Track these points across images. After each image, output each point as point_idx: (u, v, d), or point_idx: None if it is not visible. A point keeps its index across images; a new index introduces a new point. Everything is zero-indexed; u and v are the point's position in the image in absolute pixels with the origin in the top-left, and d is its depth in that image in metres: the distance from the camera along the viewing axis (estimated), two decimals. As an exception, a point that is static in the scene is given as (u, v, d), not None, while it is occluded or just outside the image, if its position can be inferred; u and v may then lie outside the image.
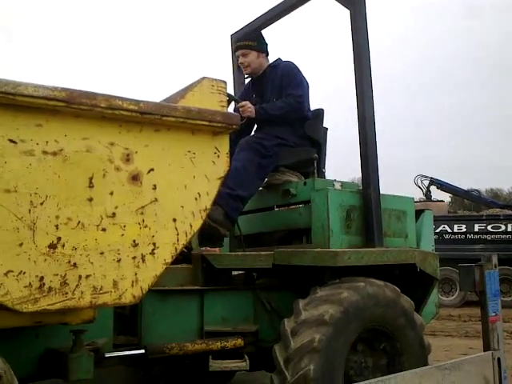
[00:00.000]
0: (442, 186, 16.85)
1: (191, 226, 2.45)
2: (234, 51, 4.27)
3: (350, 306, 3.03)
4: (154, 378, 4.14)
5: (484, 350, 3.43)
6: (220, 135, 2.57)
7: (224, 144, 2.59)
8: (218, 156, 2.56)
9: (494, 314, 3.46)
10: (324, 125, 4.23)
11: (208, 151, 2.53)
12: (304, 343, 2.89)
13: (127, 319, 3.18)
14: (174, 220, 2.40)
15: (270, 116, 3.87)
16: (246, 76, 4.42)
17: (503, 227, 13.32)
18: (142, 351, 3.01)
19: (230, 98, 3.73)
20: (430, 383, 2.89)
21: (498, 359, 3.33)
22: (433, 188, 16.83)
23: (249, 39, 4.16)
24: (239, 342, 3.24)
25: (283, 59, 4.23)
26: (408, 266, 3.51)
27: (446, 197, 20.46)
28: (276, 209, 4.00)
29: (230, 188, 3.57)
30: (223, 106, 2.62)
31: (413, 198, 3.95)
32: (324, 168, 4.20)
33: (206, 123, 2.46)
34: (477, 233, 13.55)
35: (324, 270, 3.35)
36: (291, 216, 3.79)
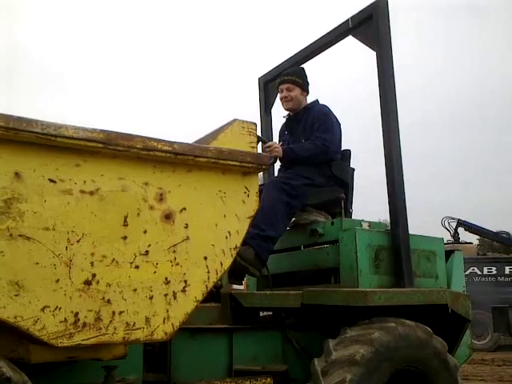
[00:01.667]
0: (470, 227, 16.59)
1: (222, 264, 2.50)
2: (278, 84, 4.36)
3: (380, 347, 3.01)
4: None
5: None
6: (250, 175, 2.63)
7: (253, 184, 2.65)
8: (248, 195, 2.62)
9: None
10: (351, 165, 4.28)
11: (238, 191, 2.59)
12: (335, 383, 2.88)
13: (156, 356, 3.21)
14: (205, 258, 2.45)
15: (296, 156, 3.94)
16: (283, 113, 4.50)
17: (534, 270, 13.06)
18: None
19: (258, 139, 3.82)
20: None
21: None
22: (460, 230, 16.58)
23: (296, 75, 4.27)
24: (269, 381, 3.23)
25: (320, 102, 4.32)
26: (439, 306, 3.49)
27: (474, 239, 20.09)
28: (303, 248, 4.03)
29: (260, 228, 3.62)
30: (253, 147, 2.69)
31: (442, 239, 3.95)
32: (351, 208, 4.23)
33: (237, 163, 2.53)
34: (508, 275, 13.30)
35: (353, 310, 3.34)
36: (319, 256, 3.81)
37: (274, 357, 3.43)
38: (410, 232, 3.68)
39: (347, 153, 4.26)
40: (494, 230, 17.23)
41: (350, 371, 2.89)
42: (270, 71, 4.96)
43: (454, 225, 16.48)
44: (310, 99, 4.36)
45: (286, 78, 4.30)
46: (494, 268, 13.50)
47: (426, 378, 3.21)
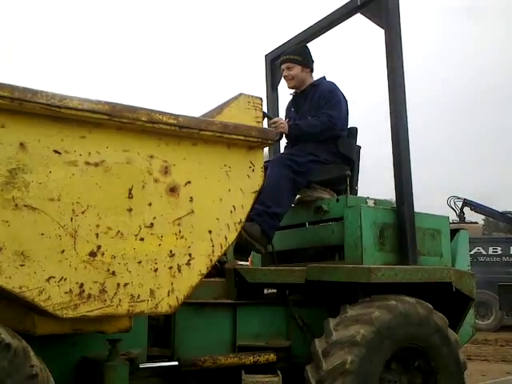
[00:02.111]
0: (476, 207, 16.50)
1: (226, 239, 2.50)
2: (279, 64, 4.35)
3: (381, 326, 3.01)
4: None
5: None
6: (255, 150, 2.62)
7: (259, 158, 2.64)
8: (253, 170, 2.61)
9: None
10: (357, 143, 4.25)
11: (243, 165, 2.59)
12: (336, 365, 2.89)
13: (161, 331, 3.23)
14: (210, 232, 2.45)
15: (302, 133, 3.92)
16: (290, 90, 4.47)
17: (539, 249, 13.04)
18: (176, 363, 3.03)
19: (264, 115, 3.80)
20: None
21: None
22: (466, 210, 16.52)
23: (296, 53, 4.25)
24: (272, 357, 3.25)
25: (327, 79, 4.28)
26: (443, 285, 3.49)
27: (480, 219, 20.03)
28: (308, 225, 4.02)
29: (266, 205, 3.61)
30: (259, 122, 2.68)
31: (448, 217, 3.93)
32: (357, 185, 4.21)
33: (242, 138, 2.52)
34: (513, 255, 13.28)
35: (357, 287, 3.35)
36: (323, 233, 3.80)
37: (277, 333, 3.44)
38: (416, 210, 3.67)
39: (354, 130, 4.23)
40: (500, 210, 17.15)
41: (350, 352, 2.90)
42: (276, 48, 4.91)
43: (459, 204, 16.40)
44: (318, 76, 4.32)
45: (285, 58, 4.28)
46: (499, 248, 13.47)
47: (426, 354, 3.23)
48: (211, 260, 2.44)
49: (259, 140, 2.57)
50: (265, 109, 4.91)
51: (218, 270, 3.47)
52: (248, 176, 2.59)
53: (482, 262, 13.24)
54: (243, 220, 2.56)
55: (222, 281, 3.41)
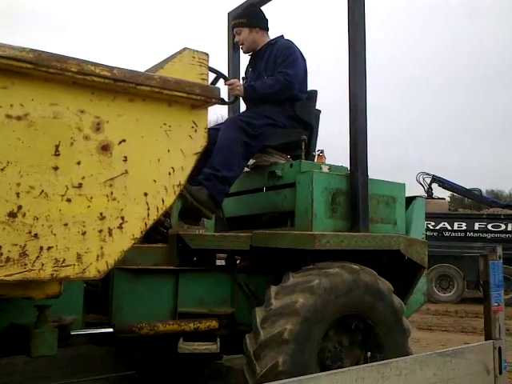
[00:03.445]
0: (444, 183, 16.71)
1: (163, 201, 2.35)
2: (232, 30, 4.18)
3: (322, 294, 2.93)
4: (127, 359, 4.10)
5: (485, 339, 3.44)
6: (198, 109, 2.46)
7: (202, 118, 2.48)
8: (196, 130, 2.46)
9: (496, 304, 3.46)
10: (317, 107, 4.12)
11: (185, 125, 2.43)
12: (273, 335, 2.81)
13: (99, 297, 3.10)
14: (146, 194, 2.30)
15: (258, 94, 3.76)
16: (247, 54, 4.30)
17: (503, 226, 13.33)
18: (111, 330, 2.92)
19: (219, 75, 3.63)
20: (431, 369, 2.87)
21: (499, 348, 3.35)
22: (434, 186, 16.70)
23: (240, 17, 4.10)
24: (213, 323, 3.16)
25: (286, 37, 4.11)
26: (395, 253, 3.43)
27: (447, 195, 20.31)
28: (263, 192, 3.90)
29: (215, 169, 3.47)
30: (204, 79, 2.51)
31: (404, 184, 3.84)
32: (314, 151, 4.10)
33: (184, 95, 2.35)
34: (477, 231, 13.55)
35: (306, 254, 3.26)
36: (276, 199, 3.69)
37: (222, 300, 3.34)
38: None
39: (313, 93, 4.07)
40: (467, 187, 17.38)
41: (288, 321, 2.82)
42: (239, 6, 4.70)
43: (428, 180, 16.58)
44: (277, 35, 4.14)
45: (232, 23, 4.15)
46: (464, 224, 13.68)
47: (370, 321, 3.18)
48: (146, 224, 2.30)
49: (202, 98, 2.41)
50: (225, 69, 4.74)
51: (164, 236, 3.35)
52: (190, 136, 2.44)
53: (447, 237, 13.51)
54: (183, 182, 2.42)
55: (165, 246, 3.27)
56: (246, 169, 4.03)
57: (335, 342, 3.14)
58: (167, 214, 3.29)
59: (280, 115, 3.79)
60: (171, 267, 3.21)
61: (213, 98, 2.45)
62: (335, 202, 3.45)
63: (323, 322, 2.97)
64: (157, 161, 2.33)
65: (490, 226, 13.41)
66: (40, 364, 3.88)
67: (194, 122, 2.45)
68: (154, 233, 3.35)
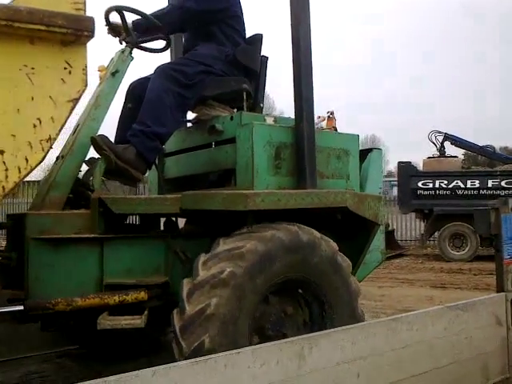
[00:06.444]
0: (456, 141, 16.29)
1: (27, 160, 2.01)
2: None
3: (253, 260, 2.60)
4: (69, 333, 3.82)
5: (497, 292, 3.41)
6: (72, 46, 2.10)
7: (79, 57, 2.13)
8: (70, 72, 2.10)
9: (508, 257, 3.39)
10: (264, 53, 3.69)
11: (54, 66, 2.07)
12: (198, 309, 2.48)
13: (13, 271, 2.80)
14: (2, 152, 1.95)
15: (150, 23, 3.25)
16: None
17: (517, 183, 12.80)
18: (20, 308, 2.62)
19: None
20: (442, 323, 2.86)
21: None
22: (447, 144, 16.22)
23: None
24: (142, 295, 2.83)
25: None
26: (343, 209, 3.06)
27: (460, 153, 19.75)
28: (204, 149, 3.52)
29: (144, 124, 3.10)
30: (79, 10, 2.13)
31: (358, 136, 3.42)
32: (262, 102, 3.69)
33: (44, 28, 1.99)
34: (490, 188, 13.20)
35: (246, 217, 2.90)
36: (218, 156, 3.31)
37: (153, 269, 3.00)
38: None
39: (257, 37, 3.63)
40: (480, 144, 16.84)
41: (215, 294, 2.49)
42: None
43: (440, 139, 16.15)
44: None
45: None
46: (477, 181, 13.31)
47: (312, 283, 2.86)
48: (4, 187, 1.96)
49: (70, 31, 2.04)
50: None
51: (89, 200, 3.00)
52: (62, 80, 2.09)
53: (461, 195, 13.18)
54: (54, 136, 2.07)
55: (87, 212, 2.92)
56: (189, 124, 3.66)
57: (276, 308, 2.80)
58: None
59: (218, 61, 3.37)
60: (93, 235, 2.88)
61: (84, 30, 2.08)
62: (279, 158, 3.07)
63: (258, 290, 2.63)
64: (16, 111, 1.98)
65: (503, 183, 13.03)
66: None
67: (66, 62, 2.09)
68: (79, 198, 3.03)
